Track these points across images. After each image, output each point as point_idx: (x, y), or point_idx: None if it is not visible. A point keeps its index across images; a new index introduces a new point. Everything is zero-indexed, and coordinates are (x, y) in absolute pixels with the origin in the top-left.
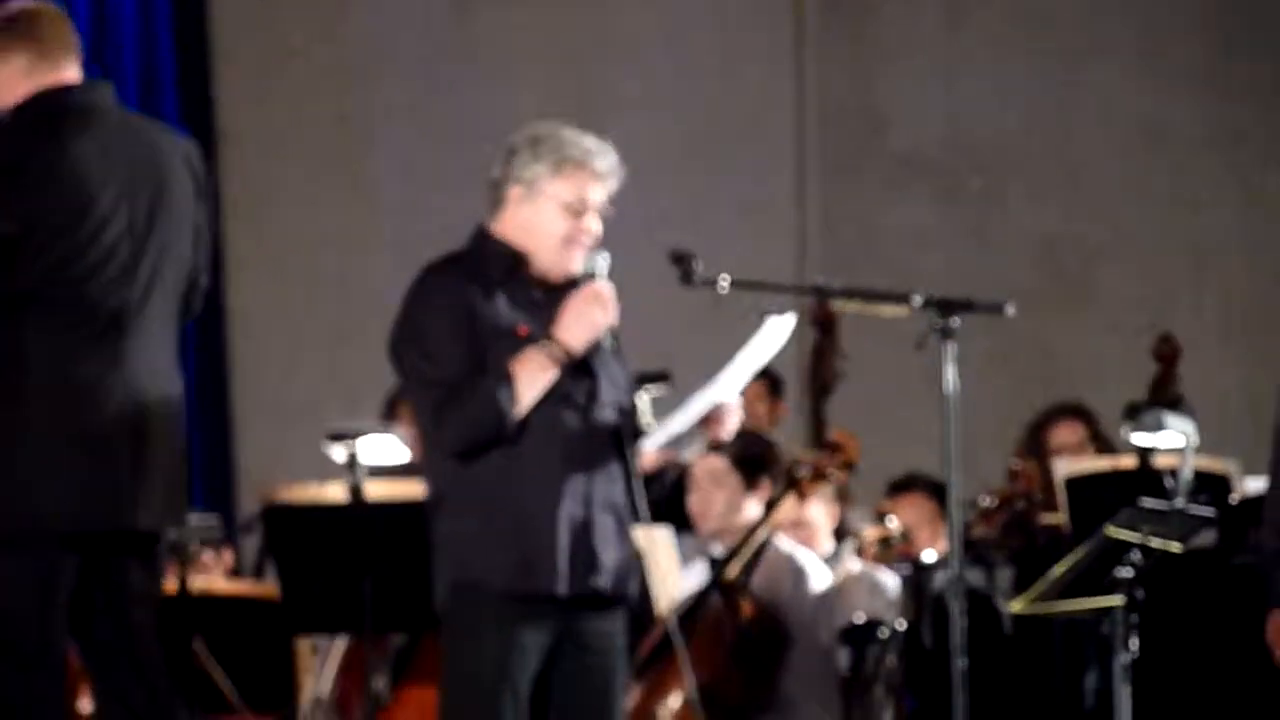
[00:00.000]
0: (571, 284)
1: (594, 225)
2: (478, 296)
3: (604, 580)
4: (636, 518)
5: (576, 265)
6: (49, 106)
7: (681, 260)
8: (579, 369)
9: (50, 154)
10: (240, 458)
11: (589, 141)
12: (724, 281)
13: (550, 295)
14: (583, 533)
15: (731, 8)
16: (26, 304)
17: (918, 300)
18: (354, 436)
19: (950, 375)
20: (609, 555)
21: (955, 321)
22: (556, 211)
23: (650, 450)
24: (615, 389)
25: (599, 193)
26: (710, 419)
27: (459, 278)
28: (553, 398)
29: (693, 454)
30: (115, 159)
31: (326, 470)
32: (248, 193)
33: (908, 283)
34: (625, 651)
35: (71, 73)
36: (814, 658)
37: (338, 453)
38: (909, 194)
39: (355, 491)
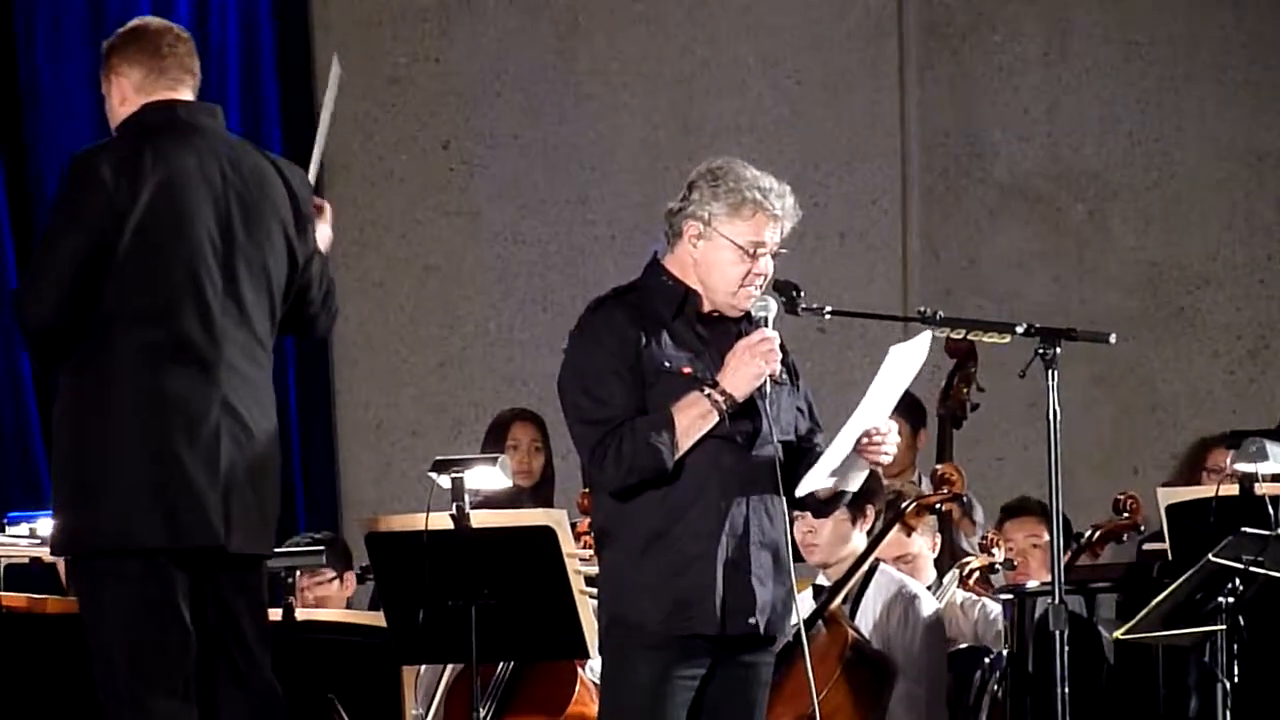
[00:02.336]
0: (736, 320)
1: (767, 266)
2: (644, 334)
3: (759, 619)
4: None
5: (747, 305)
6: (154, 121)
7: (786, 289)
8: (744, 406)
9: (150, 168)
10: (344, 485)
11: (766, 181)
12: (827, 311)
13: (715, 332)
14: (739, 572)
15: (835, 35)
16: (116, 320)
17: (1021, 329)
18: (459, 464)
19: (1054, 403)
20: (764, 594)
21: (1058, 349)
22: (732, 252)
23: (816, 485)
24: (777, 422)
25: (774, 234)
26: (864, 446)
27: (625, 314)
28: (714, 437)
29: (857, 483)
30: (213, 179)
31: (431, 499)
32: (351, 220)
33: (1010, 310)
34: (769, 683)
35: (185, 93)
36: (924, 685)
37: (443, 481)
38: (1011, 222)
39: (460, 519)
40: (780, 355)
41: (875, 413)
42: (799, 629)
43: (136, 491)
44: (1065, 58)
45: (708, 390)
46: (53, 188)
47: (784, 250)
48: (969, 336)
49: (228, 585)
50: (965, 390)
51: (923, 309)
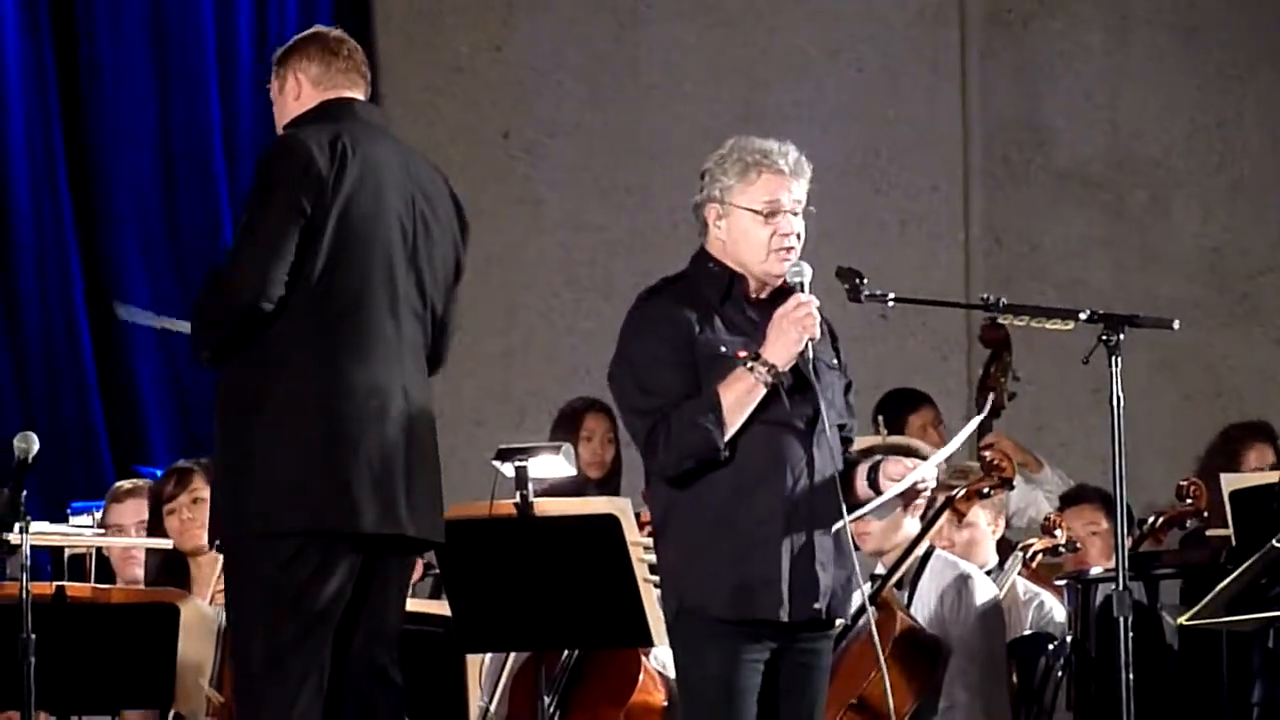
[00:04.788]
0: (784, 297)
1: (794, 225)
2: (695, 321)
3: (822, 603)
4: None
5: (783, 270)
6: (339, 113)
7: (848, 277)
8: (801, 391)
9: (350, 154)
10: None
11: (768, 144)
12: (890, 298)
13: (765, 313)
14: (803, 557)
15: (896, 23)
16: (299, 305)
17: (1084, 315)
18: (523, 453)
19: (1117, 390)
20: (826, 578)
21: (1122, 336)
22: (750, 218)
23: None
24: (833, 406)
25: (789, 192)
26: (909, 495)
27: (674, 303)
28: (775, 422)
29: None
30: (400, 175)
31: (495, 487)
32: None
33: (1072, 297)
34: (829, 669)
35: (359, 95)
36: (981, 666)
37: (506, 469)
38: (1073, 208)
39: (524, 507)
40: (818, 319)
41: (929, 468)
42: (854, 616)
43: (306, 476)
44: (1126, 45)
45: (750, 364)
46: (113, 165)
47: (811, 209)
48: (1032, 323)
49: (391, 571)
50: (1003, 380)
51: (984, 296)
